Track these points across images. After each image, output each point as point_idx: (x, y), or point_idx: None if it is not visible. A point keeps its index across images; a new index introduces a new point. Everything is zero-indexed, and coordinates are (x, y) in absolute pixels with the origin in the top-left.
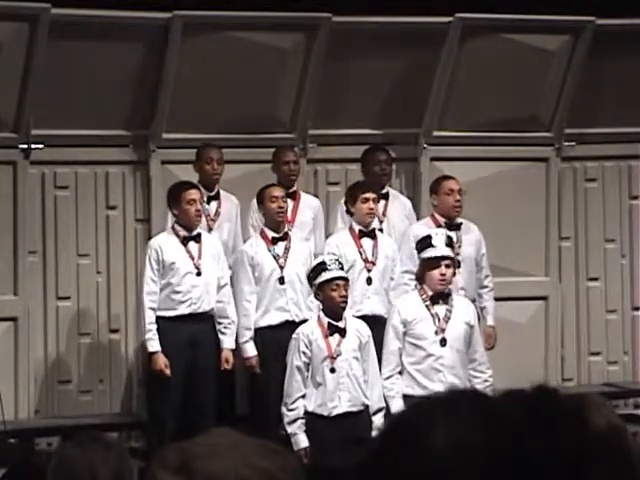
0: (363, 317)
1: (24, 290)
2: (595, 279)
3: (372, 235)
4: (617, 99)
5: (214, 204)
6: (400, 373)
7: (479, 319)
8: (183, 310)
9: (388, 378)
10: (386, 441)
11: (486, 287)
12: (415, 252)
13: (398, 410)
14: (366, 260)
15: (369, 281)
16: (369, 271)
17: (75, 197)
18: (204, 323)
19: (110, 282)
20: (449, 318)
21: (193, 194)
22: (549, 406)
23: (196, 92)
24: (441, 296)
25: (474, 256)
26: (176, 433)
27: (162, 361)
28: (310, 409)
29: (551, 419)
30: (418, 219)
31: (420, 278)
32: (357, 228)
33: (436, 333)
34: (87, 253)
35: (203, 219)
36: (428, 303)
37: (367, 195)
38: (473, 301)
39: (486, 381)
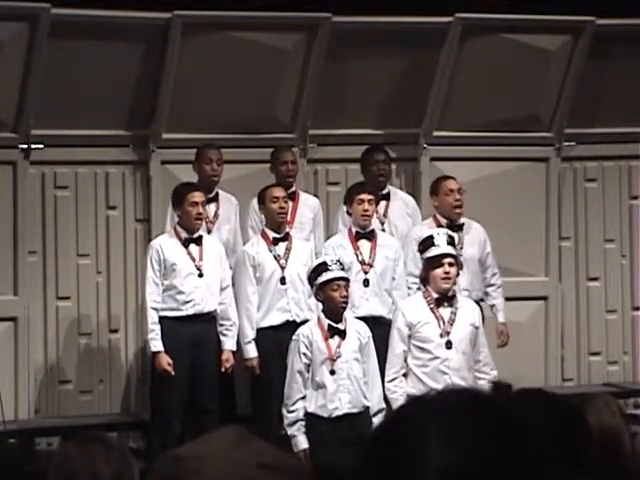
0: (362, 319)
1: (24, 290)
2: (595, 279)
3: (370, 237)
4: (617, 99)
5: (213, 206)
6: (404, 376)
7: (484, 318)
8: (187, 311)
9: (392, 380)
10: (381, 441)
11: (494, 285)
12: (418, 254)
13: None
14: (362, 262)
15: (366, 283)
16: (366, 273)
17: (75, 197)
18: (207, 324)
19: (110, 282)
20: (454, 320)
21: (196, 196)
22: (546, 406)
23: (196, 92)
24: (446, 298)
25: (477, 256)
26: (180, 433)
27: (165, 360)
28: (310, 410)
29: (551, 419)
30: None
31: (424, 279)
32: (355, 230)
33: (441, 336)
34: (87, 253)
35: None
36: (433, 305)
37: (362, 196)
38: (478, 302)
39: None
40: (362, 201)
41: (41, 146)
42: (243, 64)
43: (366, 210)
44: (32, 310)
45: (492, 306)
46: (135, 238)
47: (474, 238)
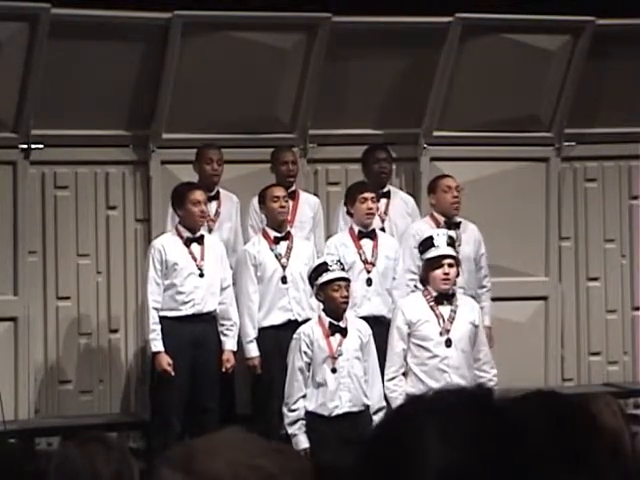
0: (363, 318)
1: (24, 290)
2: (595, 279)
3: (372, 236)
4: (617, 99)
5: (214, 204)
6: (404, 374)
7: None
8: (187, 311)
9: (392, 379)
10: (380, 440)
11: (484, 287)
12: (415, 250)
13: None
14: (365, 261)
15: (369, 282)
16: (368, 272)
17: (75, 197)
18: (207, 324)
19: (110, 282)
20: (454, 319)
21: (198, 195)
22: (552, 407)
23: (196, 92)
24: (445, 296)
25: (473, 255)
26: (181, 433)
27: (165, 361)
28: (311, 409)
29: (555, 420)
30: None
31: (424, 279)
32: (357, 229)
33: (441, 334)
34: (87, 253)
35: None
36: (432, 304)
37: (365, 195)
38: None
39: (490, 380)
40: (365, 199)
41: (41, 146)
42: (243, 64)
43: (370, 208)
44: (32, 310)
45: (480, 308)
46: (135, 238)
47: (470, 237)
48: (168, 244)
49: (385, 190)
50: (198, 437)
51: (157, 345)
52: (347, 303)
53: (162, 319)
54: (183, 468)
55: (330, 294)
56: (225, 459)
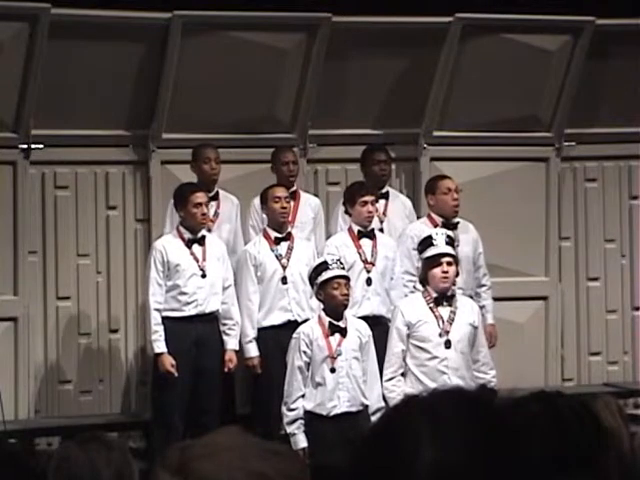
0: (363, 318)
1: (24, 290)
2: (595, 279)
3: (371, 235)
4: (617, 99)
5: (213, 204)
6: (403, 375)
7: None
8: (190, 311)
9: (390, 380)
10: (374, 441)
11: (484, 286)
12: (413, 252)
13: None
14: (365, 261)
15: (369, 282)
16: (368, 272)
17: (75, 197)
18: (210, 324)
19: (110, 282)
20: (453, 320)
21: (200, 197)
22: (553, 408)
23: (196, 92)
24: (445, 297)
25: (471, 255)
26: (182, 433)
27: (168, 362)
28: (309, 408)
29: (556, 421)
30: (418, 219)
31: (423, 279)
32: (356, 229)
33: (440, 335)
34: (87, 253)
35: None
36: (432, 305)
37: (366, 198)
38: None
39: (489, 382)
40: (366, 203)
41: (41, 146)
42: (243, 64)
43: (370, 212)
44: (32, 310)
45: (482, 307)
46: (135, 238)
47: (468, 237)
48: (169, 245)
49: (384, 191)
50: (197, 438)
51: (160, 346)
52: (347, 301)
53: (165, 320)
54: (178, 471)
55: (330, 292)
56: (220, 462)
